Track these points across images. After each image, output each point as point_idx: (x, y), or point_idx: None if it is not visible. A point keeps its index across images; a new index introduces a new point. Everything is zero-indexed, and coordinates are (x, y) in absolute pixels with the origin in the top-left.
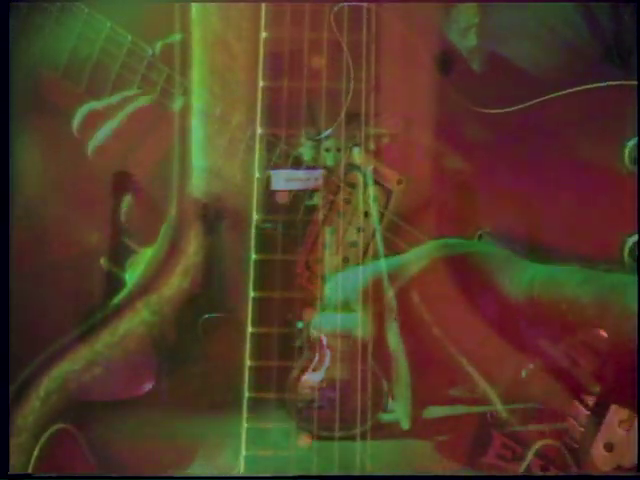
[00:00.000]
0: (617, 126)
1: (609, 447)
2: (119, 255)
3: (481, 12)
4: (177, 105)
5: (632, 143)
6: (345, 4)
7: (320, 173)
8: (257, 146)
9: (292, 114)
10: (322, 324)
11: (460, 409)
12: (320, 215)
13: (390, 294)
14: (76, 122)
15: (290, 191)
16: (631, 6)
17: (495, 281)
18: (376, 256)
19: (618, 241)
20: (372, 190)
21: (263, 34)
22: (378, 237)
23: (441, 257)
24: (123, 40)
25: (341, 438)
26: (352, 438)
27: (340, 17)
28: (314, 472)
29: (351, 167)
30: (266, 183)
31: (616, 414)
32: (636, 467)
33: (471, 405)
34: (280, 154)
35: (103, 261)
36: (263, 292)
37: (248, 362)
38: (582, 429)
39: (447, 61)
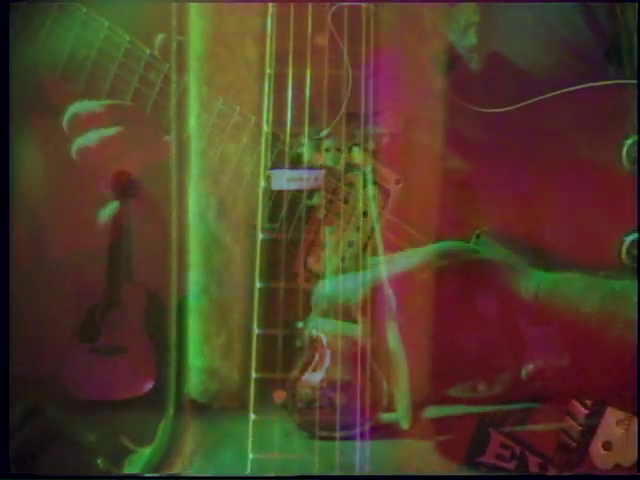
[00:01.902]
0: (615, 125)
1: (608, 446)
2: (117, 455)
3: (481, 10)
4: (173, 106)
5: (630, 142)
6: (342, 4)
7: (320, 173)
8: (263, 140)
9: (293, 114)
10: (321, 327)
11: (460, 409)
12: (319, 215)
13: (390, 293)
14: (65, 119)
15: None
16: (631, 6)
17: (500, 286)
18: (375, 256)
19: (616, 240)
20: (371, 190)
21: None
22: (378, 237)
23: (444, 266)
24: (121, 40)
25: (341, 438)
26: (352, 438)
27: (339, 18)
28: (314, 472)
29: (350, 167)
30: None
31: (614, 413)
32: (635, 465)
33: (471, 405)
34: (279, 154)
35: (101, 461)
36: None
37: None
38: (580, 428)
39: (446, 61)
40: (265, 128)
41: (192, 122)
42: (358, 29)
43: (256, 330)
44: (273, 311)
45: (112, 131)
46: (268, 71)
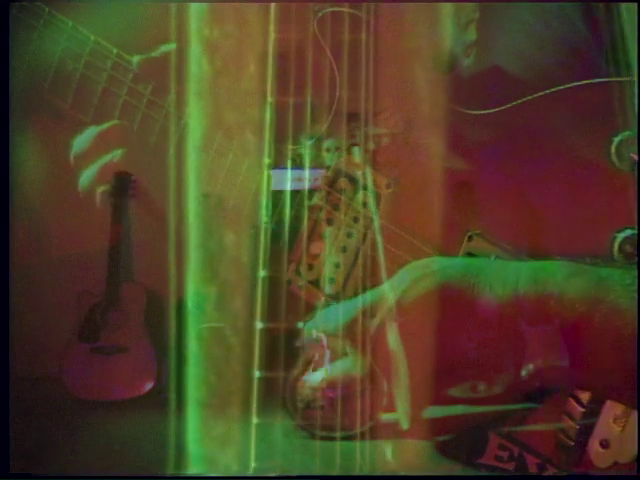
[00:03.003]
0: (604, 122)
1: (605, 444)
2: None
3: (481, 7)
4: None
5: (618, 139)
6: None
7: (320, 173)
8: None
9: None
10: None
11: (460, 409)
12: (312, 220)
13: (390, 296)
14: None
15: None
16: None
17: (481, 296)
18: (375, 257)
19: (608, 237)
20: (363, 195)
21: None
22: (378, 241)
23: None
24: (108, 53)
25: (342, 438)
26: (352, 438)
27: (333, 21)
28: (315, 472)
29: (340, 173)
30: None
31: (611, 410)
32: (633, 463)
33: (471, 405)
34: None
35: None
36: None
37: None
38: (578, 427)
39: (442, 62)
40: (264, 219)
41: (191, 213)
42: (357, 32)
43: (255, 420)
44: (273, 400)
45: (110, 157)
46: (267, 161)
